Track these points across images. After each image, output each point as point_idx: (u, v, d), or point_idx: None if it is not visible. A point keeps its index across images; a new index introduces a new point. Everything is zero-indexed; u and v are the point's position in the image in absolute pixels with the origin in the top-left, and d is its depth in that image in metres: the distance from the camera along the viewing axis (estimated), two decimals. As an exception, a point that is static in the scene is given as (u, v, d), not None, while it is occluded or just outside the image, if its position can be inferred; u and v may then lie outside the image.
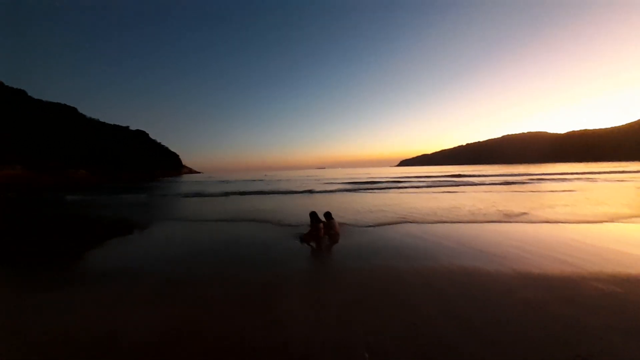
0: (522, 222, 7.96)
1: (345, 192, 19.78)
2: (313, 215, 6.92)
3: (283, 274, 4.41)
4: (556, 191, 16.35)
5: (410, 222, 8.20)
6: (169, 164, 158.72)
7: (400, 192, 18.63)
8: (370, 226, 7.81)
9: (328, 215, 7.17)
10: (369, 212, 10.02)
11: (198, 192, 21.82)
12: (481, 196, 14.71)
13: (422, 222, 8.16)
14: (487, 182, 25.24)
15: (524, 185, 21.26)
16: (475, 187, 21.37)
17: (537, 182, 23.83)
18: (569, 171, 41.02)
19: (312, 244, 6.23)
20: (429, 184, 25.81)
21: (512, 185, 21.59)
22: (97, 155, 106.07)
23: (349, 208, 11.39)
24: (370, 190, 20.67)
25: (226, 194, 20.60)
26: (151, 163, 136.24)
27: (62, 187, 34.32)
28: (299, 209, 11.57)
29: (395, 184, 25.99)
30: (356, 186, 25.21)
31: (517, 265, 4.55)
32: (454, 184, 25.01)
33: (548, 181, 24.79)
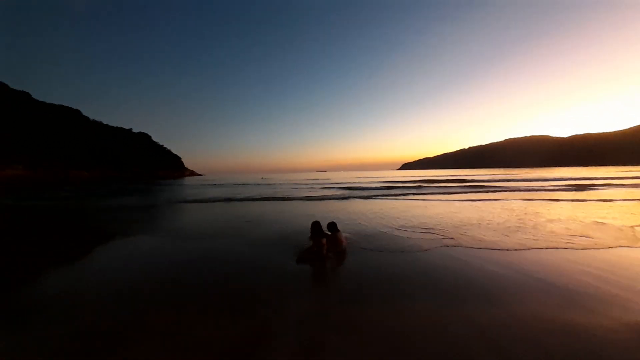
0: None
1: (356, 199, 16.65)
2: (315, 226, 5.54)
3: (265, 324, 3.00)
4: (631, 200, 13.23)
5: (448, 240, 6.36)
6: (171, 166, 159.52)
7: (425, 199, 15.98)
8: (400, 251, 5.71)
9: (332, 226, 5.88)
10: (394, 228, 7.88)
11: (188, 198, 18.68)
12: (537, 206, 11.80)
13: (486, 247, 5.85)
14: (523, 188, 21.93)
15: (587, 192, 17.75)
16: (514, 193, 18.51)
17: (597, 188, 20.27)
18: (598, 176, 36.85)
19: (312, 265, 5.00)
20: (454, 189, 22.49)
21: (563, 192, 18.00)
22: (100, 156, 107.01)
23: (367, 220, 9.22)
24: (387, 197, 17.61)
25: (226, 200, 17.91)
26: (153, 165, 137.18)
27: (59, 187, 34.08)
28: (298, 219, 9.93)
29: (412, 189, 23.14)
30: (368, 192, 21.71)
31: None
32: (485, 188, 22.15)
33: (605, 187, 21.02)
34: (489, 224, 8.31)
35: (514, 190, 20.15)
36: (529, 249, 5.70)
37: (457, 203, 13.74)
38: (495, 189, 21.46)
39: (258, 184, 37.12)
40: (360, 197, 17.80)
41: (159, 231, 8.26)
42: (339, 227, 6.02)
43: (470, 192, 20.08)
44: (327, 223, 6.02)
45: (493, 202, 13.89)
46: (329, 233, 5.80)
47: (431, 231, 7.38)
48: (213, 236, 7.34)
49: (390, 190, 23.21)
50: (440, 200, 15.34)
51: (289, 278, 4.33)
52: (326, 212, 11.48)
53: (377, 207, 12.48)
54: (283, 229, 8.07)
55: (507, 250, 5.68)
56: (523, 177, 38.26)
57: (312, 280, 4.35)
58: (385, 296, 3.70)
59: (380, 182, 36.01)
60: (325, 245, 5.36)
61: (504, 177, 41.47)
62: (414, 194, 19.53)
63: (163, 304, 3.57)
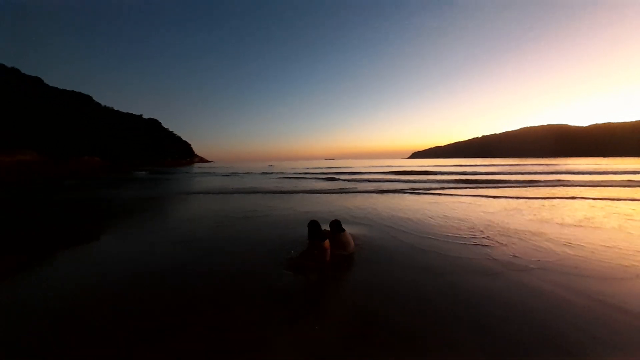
0: None
1: (387, 194, 13.48)
2: (313, 227, 4.54)
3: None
4: None
5: (510, 257, 4.69)
6: (181, 152, 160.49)
7: (457, 194, 13.13)
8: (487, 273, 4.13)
9: (336, 225, 4.92)
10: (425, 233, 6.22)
11: (185, 190, 16.34)
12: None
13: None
14: (584, 182, 17.29)
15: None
16: (577, 188, 14.62)
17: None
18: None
19: (308, 274, 4.08)
20: (505, 181, 18.57)
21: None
22: (112, 142, 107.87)
23: (386, 220, 7.56)
24: (424, 191, 14.32)
25: (228, 192, 15.34)
26: (163, 151, 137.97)
27: (69, 175, 34.21)
28: (303, 215, 8.40)
29: (446, 182, 19.11)
30: (400, 185, 17.99)
31: None
32: (534, 183, 17.73)
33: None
34: (573, 233, 6.19)
35: (577, 185, 15.99)
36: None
37: (503, 201, 11.05)
38: (549, 184, 17.45)
39: (264, 173, 35.92)
40: (382, 191, 14.73)
41: (137, 231, 7.30)
42: (343, 226, 5.10)
43: (519, 185, 16.59)
44: (330, 222, 5.07)
45: (562, 200, 10.90)
46: (328, 233, 4.83)
47: (480, 240, 5.82)
48: (201, 246, 5.66)
49: (414, 183, 19.34)
50: (479, 196, 12.45)
51: (280, 296, 3.47)
52: (333, 208, 10.13)
53: (396, 204, 10.68)
54: (279, 227, 7.07)
55: (610, 279, 3.91)
56: (575, 169, 30.85)
57: (305, 301, 3.39)
58: (408, 337, 2.61)
59: (391, 171, 33.19)
60: (328, 249, 4.39)
61: (546, 168, 34.28)
62: (452, 187, 16.18)
63: (106, 334, 2.80)
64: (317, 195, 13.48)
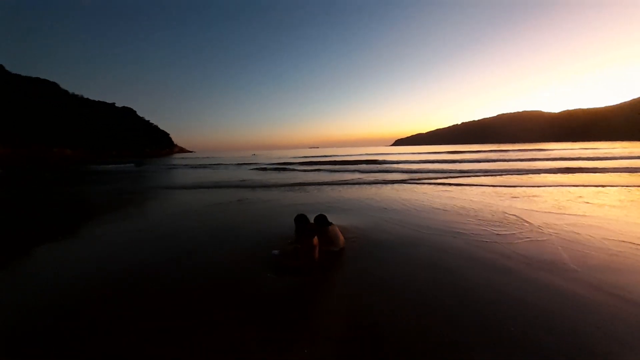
0: None
1: (395, 184, 12.02)
2: (300, 221, 4.19)
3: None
4: None
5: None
6: (159, 142, 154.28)
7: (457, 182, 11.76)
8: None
9: (322, 219, 4.37)
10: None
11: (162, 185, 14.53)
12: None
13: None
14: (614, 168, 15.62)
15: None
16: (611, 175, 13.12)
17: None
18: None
19: (296, 276, 3.55)
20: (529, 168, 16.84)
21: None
22: (82, 133, 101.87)
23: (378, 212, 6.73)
24: (419, 181, 12.88)
25: (211, 186, 13.30)
26: (140, 141, 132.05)
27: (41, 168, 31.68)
28: (286, 209, 7.49)
29: (452, 172, 16.55)
30: (405, 175, 15.72)
31: None
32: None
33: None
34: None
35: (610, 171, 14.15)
36: None
37: (503, 190, 9.78)
38: (587, 169, 15.42)
39: (246, 163, 32.94)
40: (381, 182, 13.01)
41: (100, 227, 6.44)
42: (329, 220, 4.47)
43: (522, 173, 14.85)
44: (314, 217, 4.46)
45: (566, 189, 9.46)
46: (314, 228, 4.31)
47: (490, 232, 5.05)
48: (180, 241, 5.03)
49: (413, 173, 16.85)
50: (475, 185, 11.05)
51: (252, 309, 2.82)
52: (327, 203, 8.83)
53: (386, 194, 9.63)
54: (260, 222, 6.29)
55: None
56: (604, 154, 27.10)
57: (290, 315, 2.75)
58: (412, 343, 2.22)
59: (381, 160, 29.74)
60: (317, 247, 3.89)
61: (537, 154, 31.67)
62: (450, 176, 14.50)
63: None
64: (304, 188, 12.27)
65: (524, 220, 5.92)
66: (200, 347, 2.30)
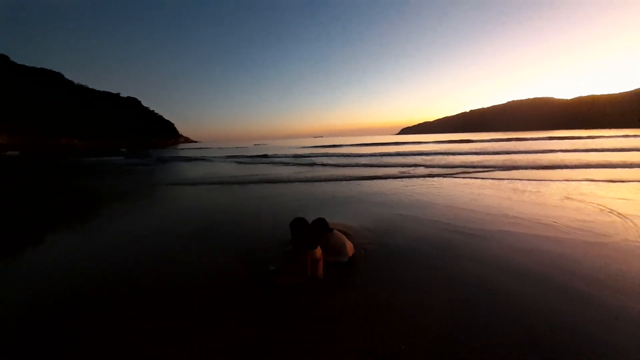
0: None
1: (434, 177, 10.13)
2: (299, 228, 3.31)
3: None
4: None
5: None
6: (165, 132, 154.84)
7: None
8: None
9: (321, 225, 3.59)
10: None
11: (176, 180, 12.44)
12: None
13: None
14: None
15: None
16: None
17: None
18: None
19: (295, 295, 2.98)
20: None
21: None
22: (88, 123, 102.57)
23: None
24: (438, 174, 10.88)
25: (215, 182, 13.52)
26: (145, 131, 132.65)
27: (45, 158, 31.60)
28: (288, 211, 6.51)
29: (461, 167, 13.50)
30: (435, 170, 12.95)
31: None
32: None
33: None
34: None
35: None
36: None
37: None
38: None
39: (245, 155, 28.64)
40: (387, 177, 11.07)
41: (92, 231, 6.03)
42: (330, 226, 3.62)
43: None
44: (311, 221, 3.59)
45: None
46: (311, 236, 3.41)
47: (529, 233, 4.13)
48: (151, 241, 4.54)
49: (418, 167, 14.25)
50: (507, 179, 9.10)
51: (261, 307, 2.62)
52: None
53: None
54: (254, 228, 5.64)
55: None
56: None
57: (297, 310, 2.54)
58: None
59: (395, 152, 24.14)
60: (321, 260, 3.12)
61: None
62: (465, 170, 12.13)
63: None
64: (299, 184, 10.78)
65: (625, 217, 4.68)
66: (200, 347, 2.21)
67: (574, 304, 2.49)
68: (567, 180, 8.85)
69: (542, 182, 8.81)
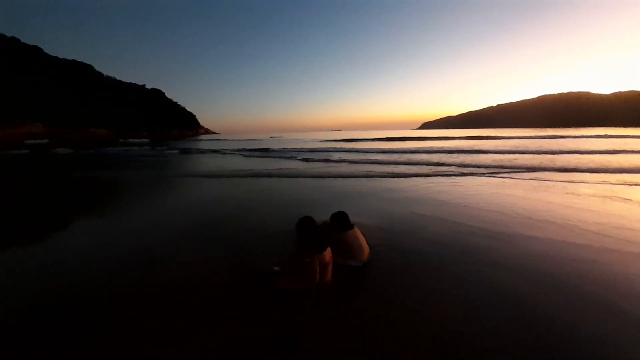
0: None
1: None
2: (303, 225, 3.04)
3: None
4: None
5: None
6: (186, 123, 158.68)
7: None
8: None
9: (341, 220, 3.25)
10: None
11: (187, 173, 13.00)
12: None
13: None
14: None
15: None
16: None
17: None
18: None
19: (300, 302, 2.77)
20: None
21: None
22: (115, 113, 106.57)
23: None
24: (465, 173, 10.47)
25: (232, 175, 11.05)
26: (167, 122, 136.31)
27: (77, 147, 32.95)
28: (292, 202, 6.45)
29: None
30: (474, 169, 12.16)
31: None
32: None
33: None
34: None
35: None
36: None
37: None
38: None
39: (258, 149, 27.72)
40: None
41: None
42: (351, 221, 3.31)
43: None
44: (331, 215, 3.34)
45: None
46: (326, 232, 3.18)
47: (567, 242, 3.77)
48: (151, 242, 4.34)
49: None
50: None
51: (261, 307, 2.58)
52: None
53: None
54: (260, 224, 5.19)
55: None
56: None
57: (298, 310, 2.52)
58: None
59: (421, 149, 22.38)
60: (330, 264, 2.82)
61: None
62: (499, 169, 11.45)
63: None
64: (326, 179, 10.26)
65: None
66: (200, 347, 2.20)
67: (615, 319, 2.30)
68: (604, 183, 8.27)
69: (580, 184, 8.20)
